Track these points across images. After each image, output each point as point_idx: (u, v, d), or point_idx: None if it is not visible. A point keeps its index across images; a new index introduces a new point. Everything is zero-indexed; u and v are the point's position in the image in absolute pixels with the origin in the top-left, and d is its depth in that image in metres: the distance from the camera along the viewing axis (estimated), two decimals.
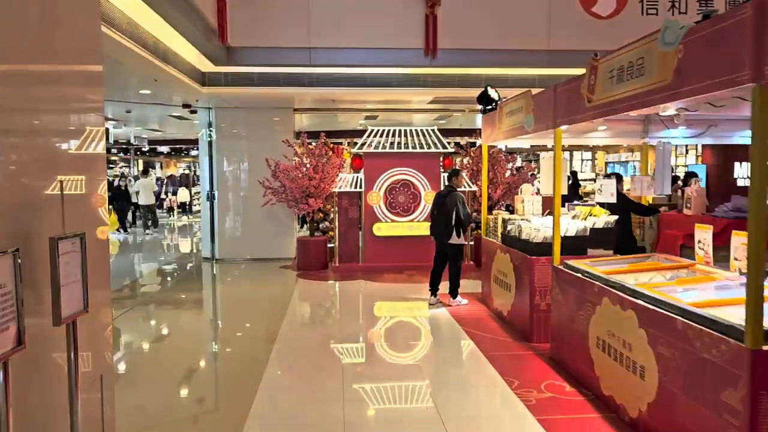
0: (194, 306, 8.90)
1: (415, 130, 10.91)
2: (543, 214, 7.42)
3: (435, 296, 8.06)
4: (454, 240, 7.75)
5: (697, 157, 20.82)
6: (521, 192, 7.92)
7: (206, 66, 8.59)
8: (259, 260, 11.91)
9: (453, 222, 7.66)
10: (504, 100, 7.13)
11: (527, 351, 5.89)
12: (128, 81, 8.54)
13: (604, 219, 6.20)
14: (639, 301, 3.97)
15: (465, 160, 11.52)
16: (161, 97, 10.28)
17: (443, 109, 12.32)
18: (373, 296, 8.78)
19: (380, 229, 10.76)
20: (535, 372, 5.27)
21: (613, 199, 6.18)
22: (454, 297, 7.89)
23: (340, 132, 17.38)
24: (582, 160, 30.20)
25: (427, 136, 10.89)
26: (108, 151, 26.32)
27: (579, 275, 4.97)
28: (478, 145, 11.28)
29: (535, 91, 6.07)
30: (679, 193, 6.26)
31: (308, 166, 10.58)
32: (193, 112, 12.18)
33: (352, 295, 8.95)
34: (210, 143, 11.92)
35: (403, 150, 10.72)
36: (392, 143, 10.84)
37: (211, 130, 11.88)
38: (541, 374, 5.19)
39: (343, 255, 10.85)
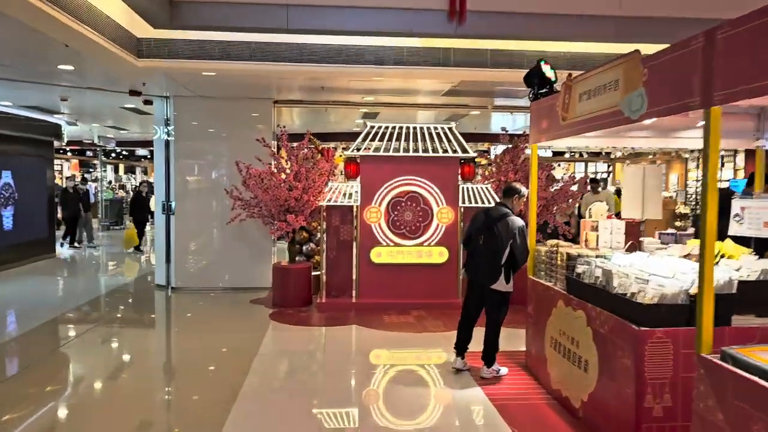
0: (122, 359, 6.41)
1: (427, 128, 8.50)
2: (625, 247, 5.00)
3: (462, 359, 5.64)
4: (501, 286, 5.35)
5: (735, 170, 18.55)
6: (589, 212, 5.49)
7: (142, 29, 6.19)
8: (228, 290, 9.44)
9: (504, 260, 5.27)
10: (572, 77, 4.74)
11: None
12: (34, 50, 6.12)
13: (755, 264, 3.79)
14: None
15: (489, 169, 9.10)
16: (93, 78, 7.86)
17: (460, 105, 9.93)
18: (369, 354, 6.34)
19: (380, 255, 8.33)
20: None
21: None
22: (490, 364, 5.45)
23: (333, 135, 14.97)
24: (596, 172, 27.71)
25: (442, 137, 8.49)
26: (58, 151, 23.89)
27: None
28: (504, 149, 8.88)
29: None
30: None
31: (289, 171, 8.16)
32: (148, 102, 9.75)
33: (340, 352, 6.48)
34: (167, 143, 9.48)
35: (411, 153, 8.32)
36: (397, 145, 8.44)
37: (168, 128, 9.44)
38: None
39: (331, 288, 8.41)
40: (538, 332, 5.36)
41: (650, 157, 22.44)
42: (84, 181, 17.89)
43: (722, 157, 18.72)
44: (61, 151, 26.36)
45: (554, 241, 5.40)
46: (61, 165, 26.27)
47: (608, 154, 22.77)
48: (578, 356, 4.43)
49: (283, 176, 8.12)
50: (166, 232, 9.55)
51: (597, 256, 4.74)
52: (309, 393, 5.14)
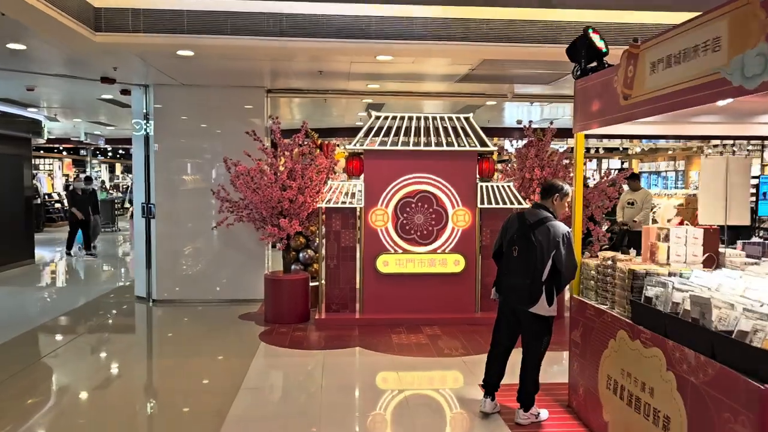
0: (75, 402, 5.35)
1: (441, 118, 7.42)
2: (703, 263, 3.91)
3: (492, 399, 4.57)
4: (543, 309, 4.30)
5: (763, 166, 17.39)
6: (654, 215, 4.38)
7: None
8: (216, 303, 8.39)
9: (546, 276, 4.22)
10: (638, 43, 3.65)
11: None
12: None
13: None
14: None
15: (511, 165, 8.02)
16: (52, 60, 6.82)
17: (475, 94, 8.85)
18: (377, 389, 5.28)
19: (387, 264, 7.27)
20: None
21: None
22: (528, 407, 4.38)
23: (334, 131, 13.89)
24: (610, 169, 26.51)
25: (458, 129, 7.41)
26: (50, 149, 22.79)
27: None
28: (528, 141, 7.79)
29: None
30: None
31: (283, 168, 7.10)
32: (126, 92, 8.70)
33: (340, 387, 5.37)
34: (147, 138, 8.43)
35: (422, 147, 7.25)
36: (407, 138, 7.38)
37: (148, 121, 8.39)
38: None
39: (332, 301, 7.35)
40: (588, 366, 4.28)
41: (669, 152, 21.27)
42: (88, 180, 16.71)
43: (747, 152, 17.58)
44: (56, 150, 25.44)
45: (610, 253, 4.32)
46: (52, 164, 25.22)
47: (626, 149, 21.60)
48: (653, 408, 3.35)
49: (275, 175, 7.06)
50: (146, 237, 8.50)
51: (670, 274, 3.66)
52: None
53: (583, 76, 4.39)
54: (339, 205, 7.15)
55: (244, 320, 7.49)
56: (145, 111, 8.42)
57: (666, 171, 22.41)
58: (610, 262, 4.12)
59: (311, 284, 7.69)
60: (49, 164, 24.87)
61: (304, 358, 5.96)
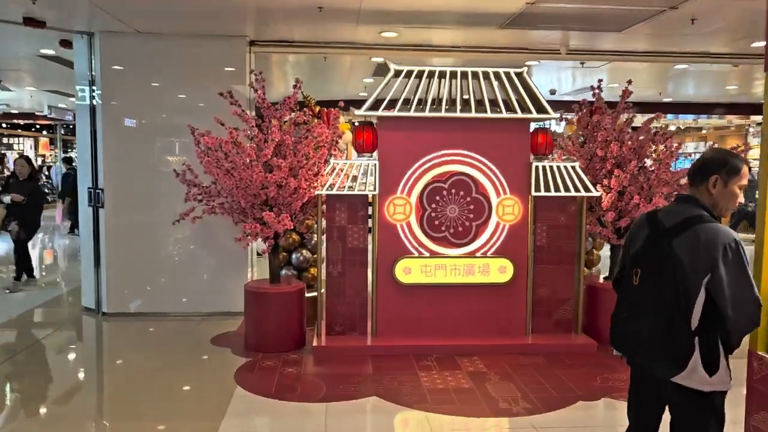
0: None
1: (483, 73, 5.47)
2: None
3: None
4: (699, 380, 2.46)
5: None
6: None
7: None
8: (183, 317, 6.50)
9: (698, 318, 2.38)
10: None
11: None
12: None
13: None
14: None
15: (576, 136, 6.10)
16: None
17: (520, 49, 6.89)
18: None
19: (410, 272, 5.40)
20: None
21: None
22: None
23: (333, 104, 11.89)
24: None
25: (507, 88, 5.47)
26: (29, 127, 20.59)
27: None
28: (591, 107, 5.85)
29: None
30: None
31: (268, 141, 5.15)
32: (67, 44, 6.72)
33: None
34: (93, 108, 6.47)
35: (458, 114, 5.32)
36: (436, 100, 5.45)
37: (93, 85, 6.43)
38: None
39: (335, 321, 5.47)
40: None
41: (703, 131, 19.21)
42: (69, 160, 14.80)
43: None
44: (34, 129, 23.27)
45: None
46: (22, 143, 23.10)
47: (699, 129, 18.70)
48: None
49: (256, 148, 5.13)
50: (94, 232, 6.58)
51: None
52: None
53: None
54: (345, 192, 5.24)
55: (218, 346, 5.60)
56: (90, 73, 6.44)
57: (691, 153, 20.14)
58: None
59: (308, 294, 5.81)
60: (20, 144, 22.79)
61: (295, 421, 4.06)
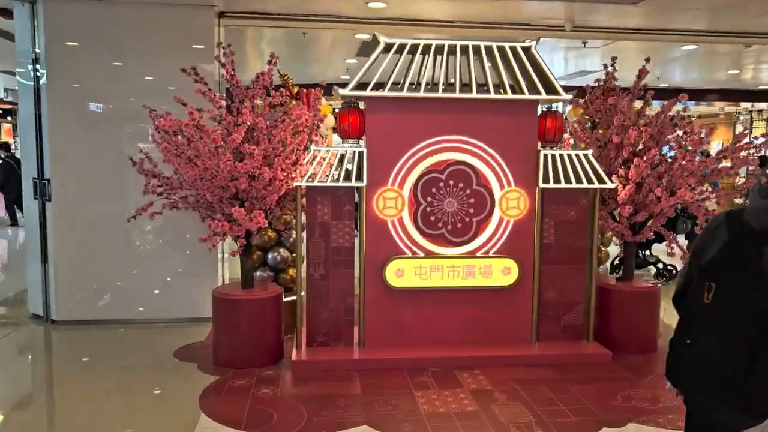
0: None
1: (486, 48, 4.79)
2: None
3: None
4: None
5: None
6: None
7: None
8: (144, 325, 5.77)
9: None
10: None
11: None
12: None
13: None
14: None
15: (570, 115, 5.48)
16: None
17: (520, 26, 6.23)
18: None
19: (402, 274, 4.75)
20: None
21: None
22: None
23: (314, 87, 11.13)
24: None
25: (513, 65, 4.80)
26: None
27: None
28: (604, 88, 5.23)
29: None
30: None
31: (238, 124, 4.41)
32: (6, 13, 5.88)
33: None
34: (37, 89, 5.66)
35: (457, 95, 4.65)
36: (432, 79, 4.77)
37: (38, 63, 5.63)
38: None
39: (317, 330, 4.80)
40: None
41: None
42: (5, 147, 13.76)
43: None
44: None
45: None
46: None
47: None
48: None
49: (225, 133, 4.40)
50: (41, 229, 5.79)
51: None
52: None
53: None
54: (327, 183, 4.55)
55: (182, 360, 4.88)
56: (34, 49, 5.61)
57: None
58: None
59: (286, 298, 5.11)
60: None
61: None
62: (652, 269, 7.94)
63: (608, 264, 7.04)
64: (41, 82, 5.62)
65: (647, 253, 7.89)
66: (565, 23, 6.03)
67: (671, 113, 5.02)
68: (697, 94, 13.11)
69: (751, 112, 15.51)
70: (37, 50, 5.61)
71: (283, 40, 7.74)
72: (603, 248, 6.08)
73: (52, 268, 5.74)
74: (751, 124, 16.04)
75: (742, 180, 10.36)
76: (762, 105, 15.70)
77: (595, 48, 7.82)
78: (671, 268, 7.91)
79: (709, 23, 6.29)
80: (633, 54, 7.63)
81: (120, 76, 5.71)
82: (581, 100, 5.32)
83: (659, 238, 6.59)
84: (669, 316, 6.27)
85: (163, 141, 4.34)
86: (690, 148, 4.65)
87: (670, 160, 4.91)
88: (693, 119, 5.15)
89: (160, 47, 5.67)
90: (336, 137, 7.08)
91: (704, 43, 7.05)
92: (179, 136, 4.36)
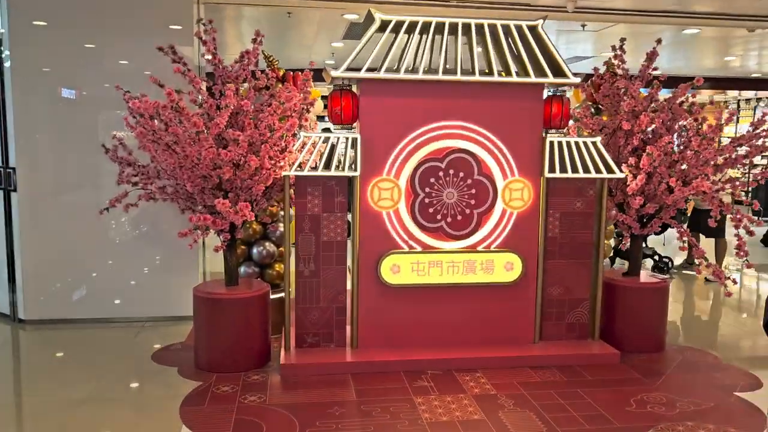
0: None
1: (490, 27, 4.45)
2: None
3: None
4: None
5: None
6: None
7: None
8: (119, 324, 5.38)
9: None
10: None
11: None
12: None
13: None
14: None
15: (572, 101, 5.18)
16: None
17: (520, 5, 5.90)
18: None
19: (398, 270, 4.43)
20: None
21: None
22: None
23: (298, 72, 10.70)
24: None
25: (519, 46, 4.47)
26: None
27: None
28: (606, 71, 4.94)
29: None
30: None
31: (221, 108, 4.03)
32: None
33: None
34: (0, 73, 5.20)
35: (458, 77, 4.32)
36: (431, 61, 4.43)
37: (0, 46, 5.18)
38: None
39: (306, 330, 4.47)
40: None
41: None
42: None
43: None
44: None
45: None
46: None
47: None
48: None
49: (206, 118, 4.02)
50: (6, 221, 5.36)
51: None
52: None
53: None
54: (318, 172, 4.20)
55: (161, 364, 4.52)
56: None
57: None
58: None
59: (273, 296, 4.77)
60: None
61: None
62: (650, 262, 7.73)
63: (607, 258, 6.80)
64: (5, 65, 5.16)
65: (643, 245, 7.67)
66: (567, 3, 5.71)
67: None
68: (711, 82, 12.90)
69: (738, 101, 15.41)
70: (1, 30, 5.15)
71: (266, 19, 7.31)
72: (606, 241, 5.81)
73: (19, 264, 5.31)
74: (738, 113, 15.91)
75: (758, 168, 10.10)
76: (749, 94, 15.58)
77: (590, 32, 7.52)
78: (667, 260, 7.71)
79: (720, 5, 6.02)
80: (630, 39, 7.34)
81: (92, 59, 5.27)
82: (587, 84, 5.01)
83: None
84: (674, 314, 6.06)
85: (138, 125, 3.94)
86: (708, 135, 4.37)
87: (678, 148, 4.65)
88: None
89: (135, 28, 5.23)
90: (321, 125, 6.74)
91: (709, 26, 6.78)
92: (156, 120, 3.96)
